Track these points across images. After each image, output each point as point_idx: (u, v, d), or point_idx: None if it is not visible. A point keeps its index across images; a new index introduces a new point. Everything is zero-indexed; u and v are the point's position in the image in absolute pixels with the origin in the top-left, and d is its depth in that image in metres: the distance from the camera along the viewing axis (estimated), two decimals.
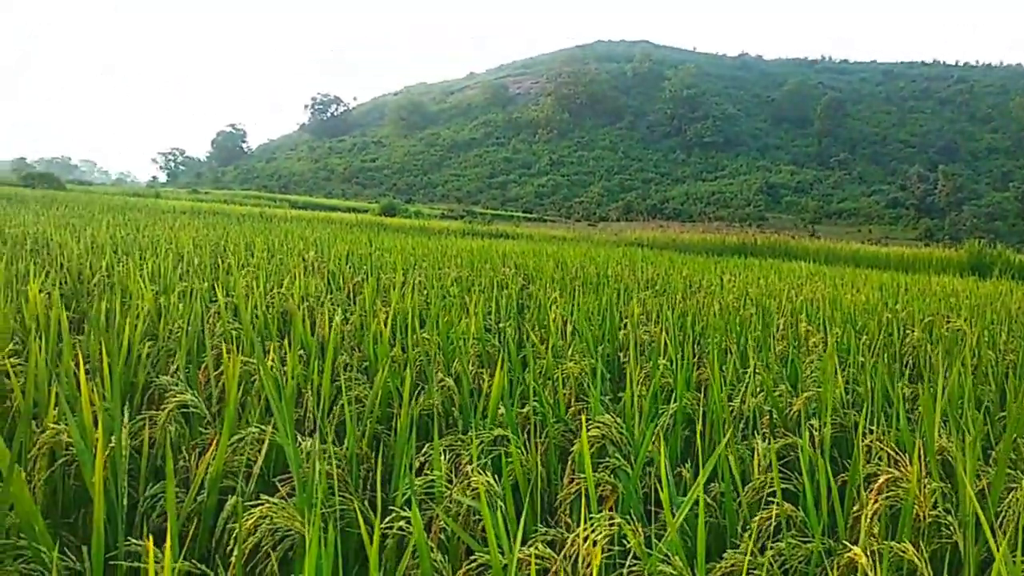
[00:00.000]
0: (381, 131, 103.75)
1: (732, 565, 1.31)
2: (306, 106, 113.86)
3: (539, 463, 1.50)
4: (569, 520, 1.38)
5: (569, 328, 2.83)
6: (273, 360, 1.89)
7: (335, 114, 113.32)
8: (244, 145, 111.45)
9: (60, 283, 3.34)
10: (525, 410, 1.87)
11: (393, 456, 1.65)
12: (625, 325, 3.20)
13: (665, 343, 2.38)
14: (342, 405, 1.90)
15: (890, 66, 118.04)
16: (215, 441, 1.36)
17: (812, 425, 1.95)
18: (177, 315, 2.56)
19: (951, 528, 1.34)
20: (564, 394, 2.07)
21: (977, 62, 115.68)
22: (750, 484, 1.53)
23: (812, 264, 13.18)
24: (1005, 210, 61.52)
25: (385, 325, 2.61)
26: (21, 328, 2.23)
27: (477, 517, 1.29)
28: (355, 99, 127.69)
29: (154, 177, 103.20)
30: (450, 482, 1.36)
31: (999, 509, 1.45)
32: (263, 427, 1.47)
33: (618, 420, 1.58)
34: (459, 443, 1.57)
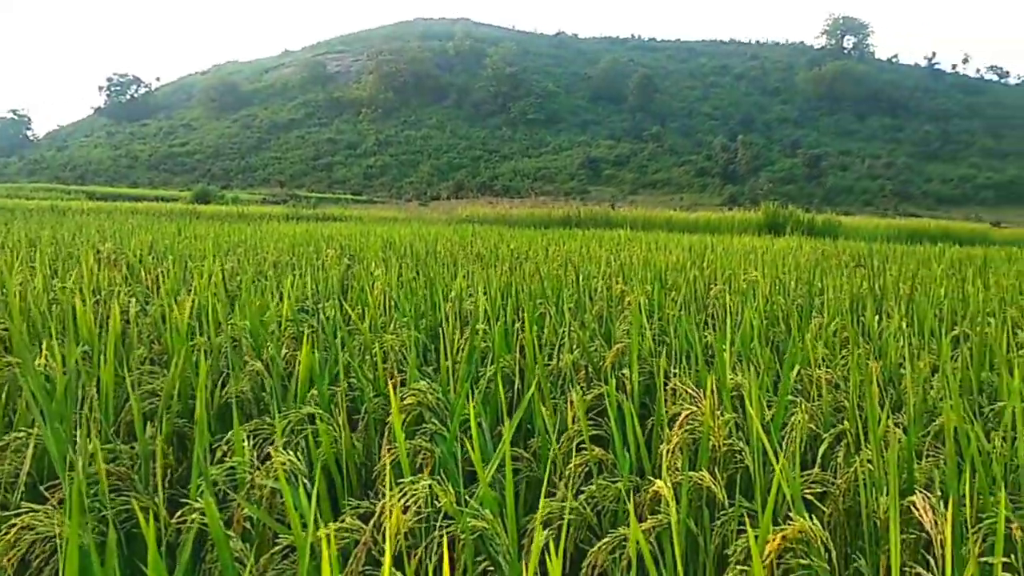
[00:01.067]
0: (190, 113, 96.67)
1: (548, 512, 1.34)
2: (101, 88, 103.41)
3: (353, 439, 1.45)
4: (385, 490, 1.34)
5: (391, 303, 2.77)
6: (49, 359, 1.68)
7: (135, 96, 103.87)
8: (29, 133, 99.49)
9: None
10: (342, 387, 1.80)
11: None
12: (449, 298, 3.19)
13: (485, 309, 2.40)
14: (140, 397, 1.73)
15: (693, 44, 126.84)
16: None
17: (623, 374, 2.05)
18: None
19: (743, 454, 1.45)
20: (385, 368, 2.02)
21: (767, 40, 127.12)
22: (566, 434, 1.57)
23: (630, 231, 13.93)
24: (795, 175, 68.51)
25: (191, 314, 2.42)
26: None
27: (282, 501, 1.22)
28: (158, 79, 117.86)
29: None
30: (258, 468, 1.27)
31: (783, 433, 1.60)
32: (31, 431, 1.29)
33: (434, 386, 1.56)
34: (266, 427, 1.48)
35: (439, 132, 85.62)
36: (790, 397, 1.81)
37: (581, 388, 2.00)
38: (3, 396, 1.47)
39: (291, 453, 1.17)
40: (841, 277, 5.03)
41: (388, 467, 1.13)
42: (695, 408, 1.50)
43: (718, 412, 1.48)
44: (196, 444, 1.26)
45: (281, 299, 2.92)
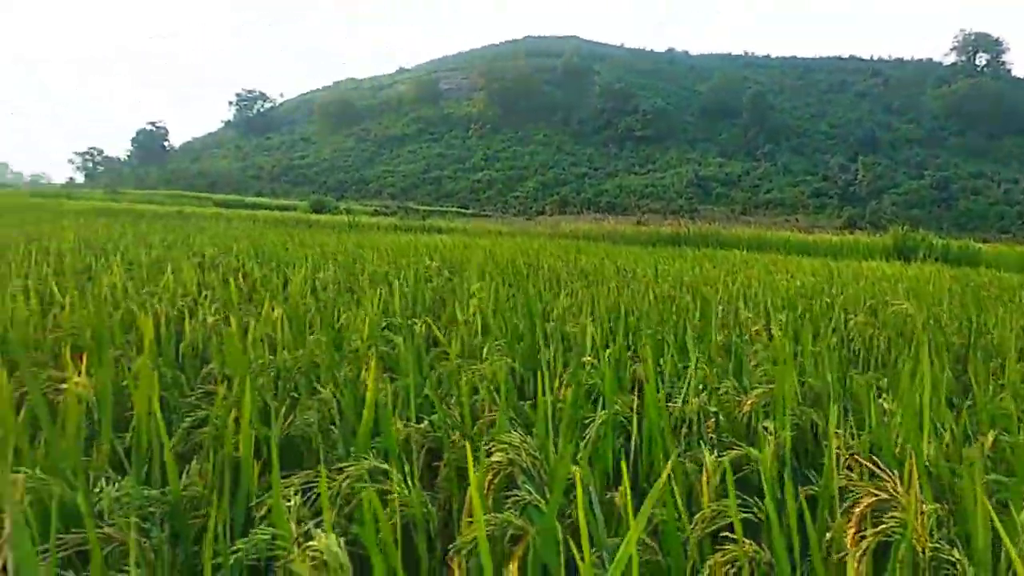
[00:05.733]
0: (310, 128, 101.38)
1: None
2: (231, 103, 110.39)
3: (428, 503, 1.14)
4: None
5: (484, 323, 2.47)
6: (86, 373, 1.47)
7: (261, 111, 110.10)
8: (166, 144, 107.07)
9: None
10: (422, 426, 1.50)
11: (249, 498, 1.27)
12: (551, 317, 2.87)
13: (593, 337, 2.05)
14: (186, 430, 1.49)
15: (809, 61, 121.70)
16: None
17: (766, 428, 1.65)
18: (7, 321, 2.09)
19: (957, 565, 1.04)
20: (478, 402, 1.72)
21: (890, 56, 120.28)
22: (700, 513, 1.20)
23: (744, 252, 13.19)
24: (922, 197, 64.29)
25: (274, 326, 2.21)
26: None
27: None
28: (282, 95, 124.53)
29: (71, 178, 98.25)
30: (300, 543, 0.98)
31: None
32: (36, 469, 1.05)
33: (528, 440, 1.23)
34: (329, 476, 1.19)
35: (545, 148, 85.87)
36: None
37: (712, 443, 1.62)
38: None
39: (333, 536, 0.87)
40: (1006, 312, 4.35)
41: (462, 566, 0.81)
42: (879, 491, 1.10)
43: (918, 499, 1.07)
44: (242, 501, 0.98)
45: (372, 308, 2.68)
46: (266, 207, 29.58)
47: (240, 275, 3.78)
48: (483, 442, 1.60)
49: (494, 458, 1.18)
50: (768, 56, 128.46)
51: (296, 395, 1.75)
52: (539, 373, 1.33)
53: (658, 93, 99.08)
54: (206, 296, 2.93)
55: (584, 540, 0.83)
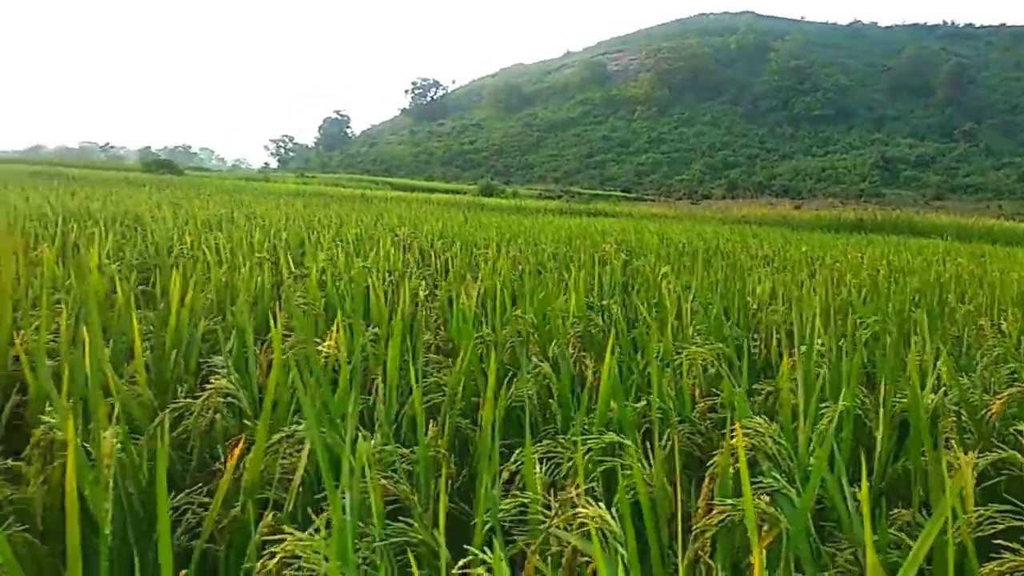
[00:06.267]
0: (479, 113, 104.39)
1: None
2: (406, 91, 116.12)
3: (665, 481, 1.13)
4: (711, 562, 1.01)
5: (686, 306, 2.42)
6: (338, 339, 1.60)
7: (434, 98, 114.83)
8: (348, 131, 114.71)
9: (142, 255, 3.22)
10: (640, 405, 1.50)
11: (477, 461, 1.33)
12: (748, 304, 2.76)
13: (817, 326, 1.94)
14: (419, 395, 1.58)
15: (1021, 29, 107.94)
16: (240, 442, 1.07)
17: (1018, 431, 1.49)
18: (253, 288, 2.33)
19: None
20: (688, 385, 1.69)
21: None
22: (964, 517, 1.10)
23: (947, 240, 12.01)
24: None
25: (477, 302, 2.30)
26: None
27: (584, 559, 0.94)
28: (453, 82, 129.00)
29: (266, 163, 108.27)
30: (548, 507, 1.01)
31: None
32: (298, 429, 1.16)
33: (772, 425, 1.18)
34: (559, 448, 1.22)
35: (713, 129, 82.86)
36: None
37: (961, 445, 1.49)
38: (290, 380, 1.38)
39: (601, 507, 0.89)
40: None
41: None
42: None
43: None
44: (484, 465, 1.03)
45: (565, 289, 2.71)
46: (439, 190, 30.88)
47: (433, 253, 3.97)
48: (703, 425, 1.57)
49: (734, 442, 1.15)
50: (971, 25, 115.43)
51: (509, 367, 1.81)
52: (763, 360, 1.28)
53: (840, 69, 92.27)
54: (409, 272, 3.10)
55: (868, 538, 0.79)
